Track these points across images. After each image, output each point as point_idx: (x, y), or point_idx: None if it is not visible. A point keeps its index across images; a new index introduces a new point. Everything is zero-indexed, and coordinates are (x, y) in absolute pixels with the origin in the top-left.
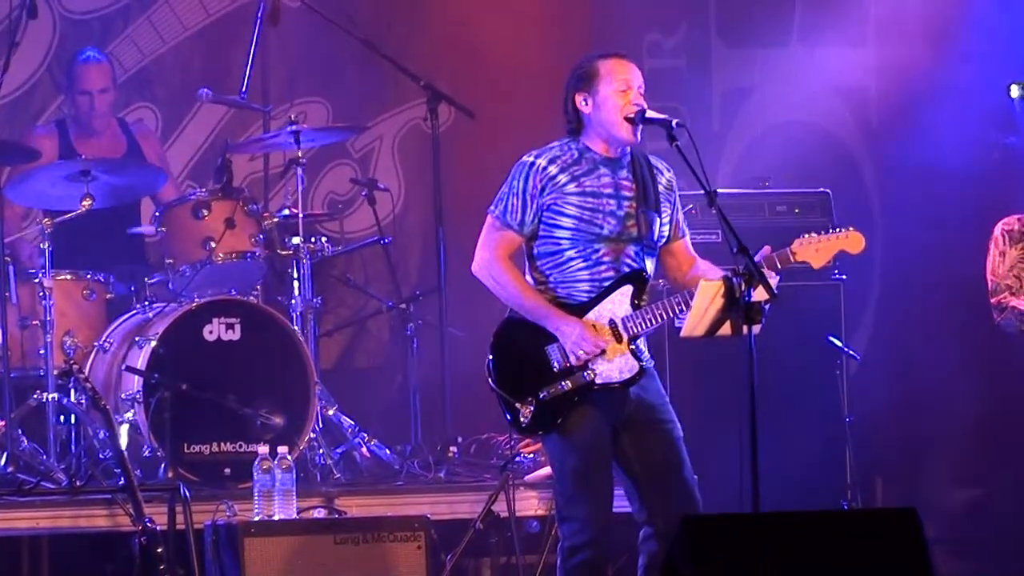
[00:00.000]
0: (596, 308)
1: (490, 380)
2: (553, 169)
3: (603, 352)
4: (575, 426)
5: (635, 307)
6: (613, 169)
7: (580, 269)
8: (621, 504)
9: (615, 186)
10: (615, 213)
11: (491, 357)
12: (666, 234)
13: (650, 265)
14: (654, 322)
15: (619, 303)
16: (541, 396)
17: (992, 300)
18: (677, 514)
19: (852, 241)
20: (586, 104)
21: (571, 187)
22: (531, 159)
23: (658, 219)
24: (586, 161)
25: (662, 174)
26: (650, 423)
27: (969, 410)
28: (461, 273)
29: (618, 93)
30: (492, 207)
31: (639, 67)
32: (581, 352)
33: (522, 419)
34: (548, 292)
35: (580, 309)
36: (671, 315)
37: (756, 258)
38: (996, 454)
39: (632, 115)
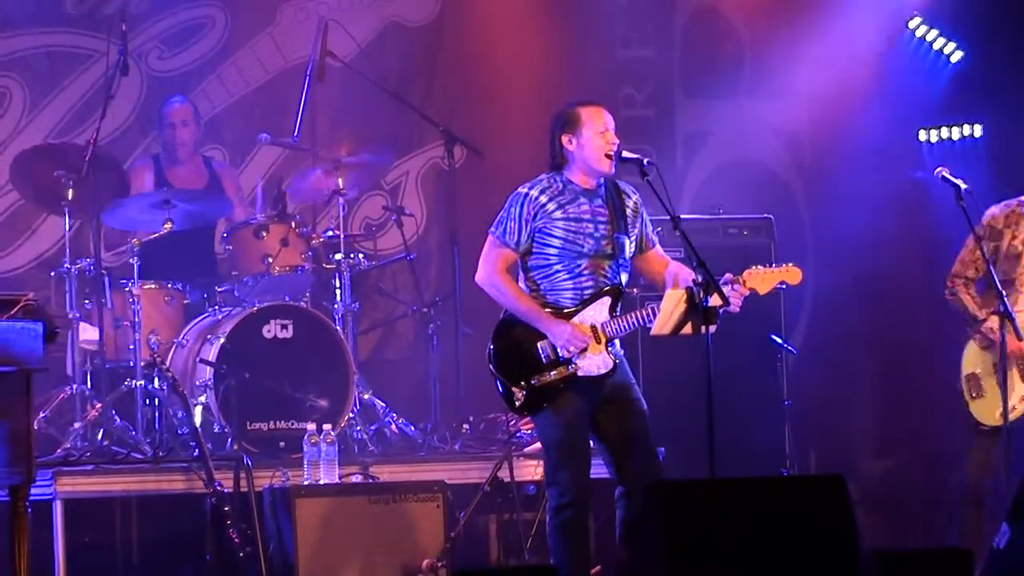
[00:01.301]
0: (580, 314)
1: (491, 366)
2: (543, 199)
3: (584, 350)
4: (560, 408)
5: (612, 316)
6: (590, 198)
7: (565, 280)
8: (599, 472)
9: (592, 213)
10: (593, 235)
11: (491, 347)
12: (634, 249)
13: (623, 278)
14: (627, 328)
15: (599, 311)
16: (532, 382)
17: (948, 281)
18: (644, 475)
19: (791, 274)
20: (571, 144)
21: (558, 213)
22: (525, 190)
23: (627, 240)
24: (569, 192)
25: (629, 198)
26: (622, 403)
27: (885, 394)
28: (472, 283)
29: (598, 134)
30: (493, 228)
31: (615, 114)
32: (572, 348)
33: (516, 400)
34: (540, 298)
35: (566, 314)
36: (642, 322)
37: (723, 280)
38: (908, 430)
39: (611, 153)
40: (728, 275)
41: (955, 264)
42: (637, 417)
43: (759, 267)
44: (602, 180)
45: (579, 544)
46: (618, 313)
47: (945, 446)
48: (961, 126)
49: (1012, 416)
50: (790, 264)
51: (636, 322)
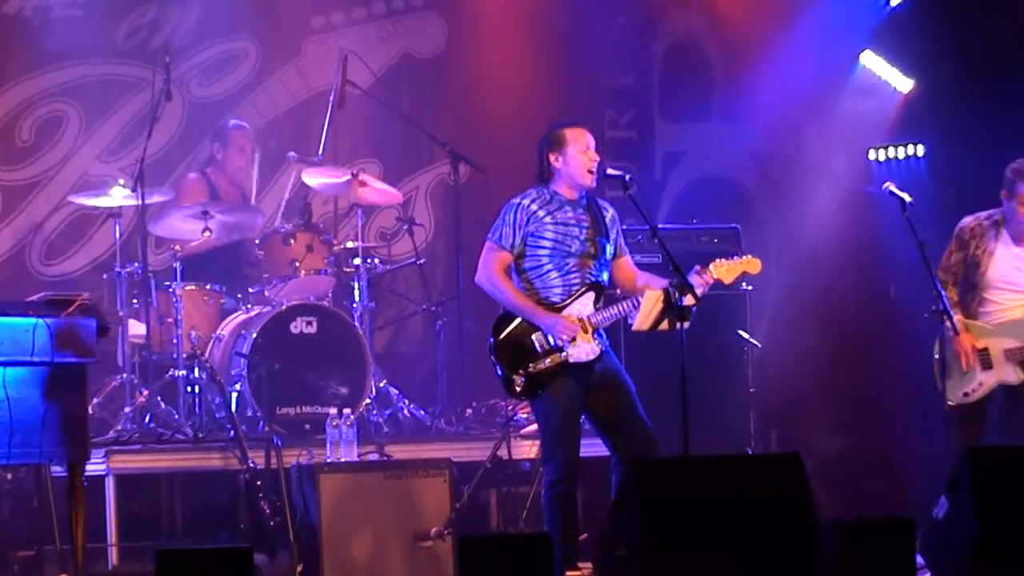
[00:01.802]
0: (568, 308)
1: (492, 357)
2: (534, 207)
3: (574, 339)
4: (555, 394)
5: (596, 308)
6: (574, 207)
7: (555, 278)
8: (588, 451)
9: (576, 219)
10: (579, 238)
11: (492, 340)
12: (613, 251)
13: (605, 276)
14: (611, 318)
15: (584, 304)
16: (530, 369)
17: (934, 285)
18: (635, 448)
19: (751, 264)
20: (557, 161)
21: (548, 219)
22: (518, 200)
23: (607, 243)
24: (556, 201)
25: (607, 210)
26: (611, 385)
27: (838, 382)
28: (474, 284)
29: (581, 152)
30: (490, 234)
31: (600, 136)
32: (564, 336)
33: (516, 387)
34: (533, 295)
35: (556, 308)
36: (624, 312)
37: (689, 276)
38: (858, 413)
39: (593, 169)
40: (697, 267)
41: (938, 270)
42: (625, 398)
43: (723, 260)
44: (584, 192)
45: (570, 514)
46: (601, 306)
47: (892, 427)
48: (906, 146)
49: (973, 398)
50: (749, 255)
51: (619, 312)
